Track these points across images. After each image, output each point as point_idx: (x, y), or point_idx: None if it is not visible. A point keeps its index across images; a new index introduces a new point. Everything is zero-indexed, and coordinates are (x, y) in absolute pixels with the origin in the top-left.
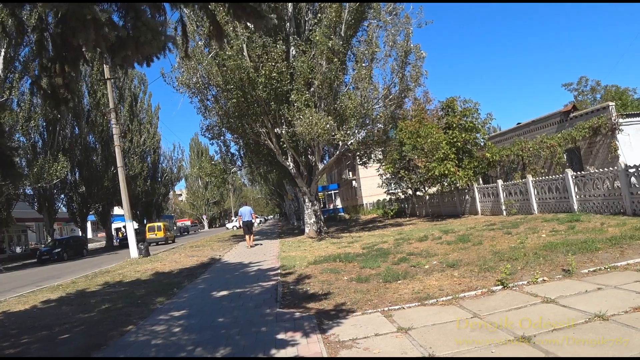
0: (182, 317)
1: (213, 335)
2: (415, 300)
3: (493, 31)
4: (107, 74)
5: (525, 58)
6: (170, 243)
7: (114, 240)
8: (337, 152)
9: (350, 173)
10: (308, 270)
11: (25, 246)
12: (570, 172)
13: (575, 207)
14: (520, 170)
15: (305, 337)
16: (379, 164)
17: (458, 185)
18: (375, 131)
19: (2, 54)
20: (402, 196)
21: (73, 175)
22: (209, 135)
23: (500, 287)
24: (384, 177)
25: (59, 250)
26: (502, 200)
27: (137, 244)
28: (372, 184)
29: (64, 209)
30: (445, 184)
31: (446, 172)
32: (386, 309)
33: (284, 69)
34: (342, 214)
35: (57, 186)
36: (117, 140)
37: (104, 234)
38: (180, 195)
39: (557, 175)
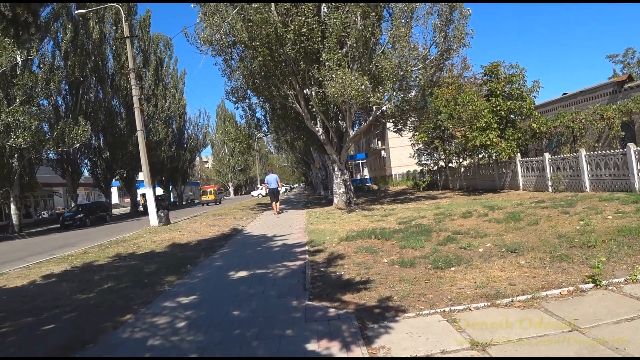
0: (190, 306)
1: (224, 337)
2: (482, 299)
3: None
4: (126, 33)
5: (565, 27)
6: (218, 204)
7: (139, 207)
8: (370, 118)
9: (380, 142)
10: (340, 247)
11: (52, 211)
12: (633, 147)
13: (637, 186)
14: (570, 143)
15: (345, 349)
16: (411, 133)
17: (497, 157)
18: (412, 96)
19: None
20: (434, 168)
21: (97, 140)
22: (234, 99)
23: (591, 284)
24: (416, 148)
25: (81, 215)
26: (549, 176)
27: (157, 211)
28: (401, 154)
29: (87, 174)
30: (485, 155)
31: (488, 142)
32: (447, 309)
33: (314, 25)
34: (370, 184)
35: (81, 151)
36: (137, 102)
37: (129, 200)
38: (207, 162)
39: (616, 150)
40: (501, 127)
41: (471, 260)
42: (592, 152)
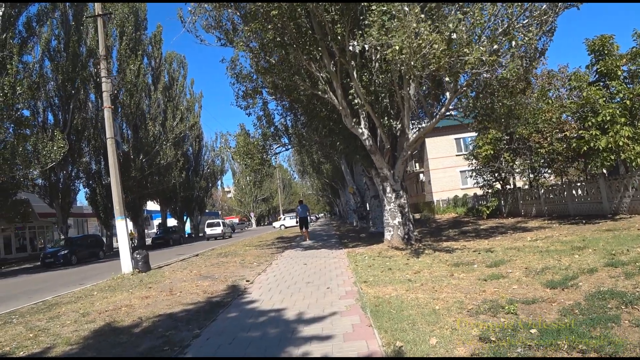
0: None
1: None
2: None
3: None
4: (97, 10)
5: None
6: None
7: (146, 239)
8: (442, 110)
9: (417, 165)
10: None
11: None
12: None
13: None
14: None
15: None
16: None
17: (626, 166)
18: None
19: (1, 13)
20: (491, 190)
21: (98, 165)
22: (244, 104)
23: None
24: (471, 167)
25: (65, 252)
26: None
27: (133, 253)
28: (443, 177)
29: (82, 203)
30: (606, 163)
31: (621, 143)
32: None
33: None
34: None
35: (78, 176)
36: (108, 100)
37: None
38: (229, 192)
39: None
40: (628, 123)
41: None
42: None
